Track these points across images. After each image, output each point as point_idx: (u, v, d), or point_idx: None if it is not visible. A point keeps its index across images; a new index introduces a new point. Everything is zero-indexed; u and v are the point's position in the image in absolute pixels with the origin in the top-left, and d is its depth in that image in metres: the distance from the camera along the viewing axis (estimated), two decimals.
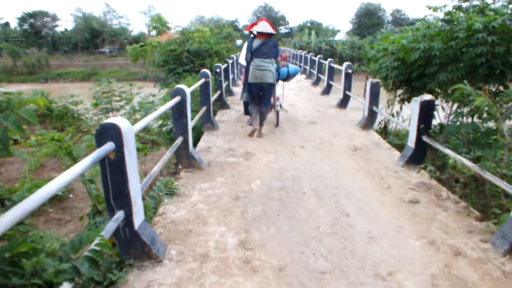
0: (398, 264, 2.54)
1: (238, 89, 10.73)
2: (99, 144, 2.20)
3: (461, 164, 3.33)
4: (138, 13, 70.06)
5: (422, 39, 6.33)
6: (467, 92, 3.41)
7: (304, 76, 14.38)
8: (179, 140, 4.12)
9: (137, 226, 2.45)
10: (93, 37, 43.79)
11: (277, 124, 6.39)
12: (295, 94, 10.04)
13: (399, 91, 7.47)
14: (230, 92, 9.43)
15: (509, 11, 5.36)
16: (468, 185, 3.64)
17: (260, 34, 5.54)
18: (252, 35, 5.68)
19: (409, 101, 7.89)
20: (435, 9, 7.57)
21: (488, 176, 3.08)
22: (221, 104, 7.81)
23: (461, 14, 5.93)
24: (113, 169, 2.29)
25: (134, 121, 12.96)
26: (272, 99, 6.09)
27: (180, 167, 4.44)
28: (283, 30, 56.51)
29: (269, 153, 4.90)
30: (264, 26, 5.53)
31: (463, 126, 5.74)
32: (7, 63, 37.88)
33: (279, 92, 6.28)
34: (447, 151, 3.72)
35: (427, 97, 4.15)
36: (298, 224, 3.06)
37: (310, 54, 14.00)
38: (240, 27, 50.61)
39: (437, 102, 7.28)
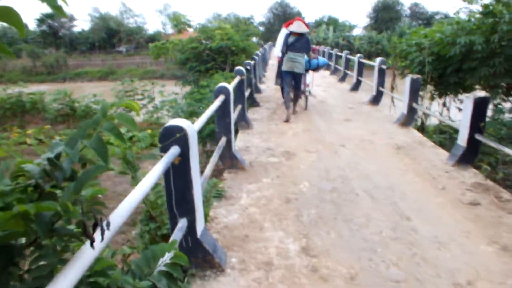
0: (475, 272, 2.39)
1: (264, 86, 10.60)
2: (164, 148, 2.11)
3: None
4: (153, 11, 70.49)
5: (461, 33, 6.09)
6: None
7: (328, 72, 14.14)
8: (223, 140, 4.03)
9: (199, 233, 2.36)
10: (110, 36, 44.22)
11: (305, 107, 7.45)
12: (323, 91, 9.85)
13: (429, 87, 7.23)
14: (257, 90, 9.31)
15: None
16: None
17: (292, 33, 6.45)
18: (288, 32, 6.58)
19: (440, 97, 7.67)
20: (470, 2, 7.28)
21: None
22: (252, 102, 7.69)
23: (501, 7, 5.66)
24: (177, 175, 2.20)
25: (157, 119, 13.01)
26: (302, 86, 7.00)
27: (222, 167, 4.35)
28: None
29: (310, 152, 4.77)
30: (298, 26, 6.44)
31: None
32: (26, 64, 38.53)
33: (309, 80, 7.37)
34: (507, 150, 3.53)
35: (481, 93, 3.95)
36: (358, 228, 2.93)
37: (335, 50, 13.74)
38: (255, 24, 50.28)
39: (466, 95, 7.04)
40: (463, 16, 7.54)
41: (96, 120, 1.08)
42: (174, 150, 2.08)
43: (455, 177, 3.91)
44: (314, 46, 8.56)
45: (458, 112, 7.67)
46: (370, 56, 39.79)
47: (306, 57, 6.67)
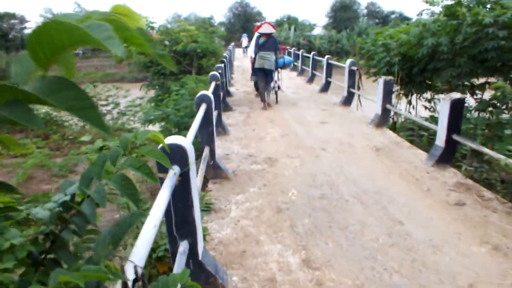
0: (475, 275, 2.43)
1: (233, 89, 10.50)
2: (163, 168, 1.98)
3: (505, 164, 3.27)
4: None
5: (427, 34, 6.30)
6: (509, 91, 3.36)
7: (295, 73, 14.25)
8: (207, 150, 3.90)
9: (200, 255, 2.24)
10: None
11: (276, 101, 8.33)
12: (293, 93, 9.90)
13: (396, 87, 7.44)
14: (228, 93, 9.19)
15: None
16: (510, 183, 3.59)
17: (264, 34, 7.42)
18: (258, 34, 7.56)
19: (406, 96, 7.93)
20: (432, 3, 7.57)
21: None
22: (225, 106, 7.58)
23: (464, 9, 5.91)
24: (177, 196, 2.07)
25: (123, 125, 12.56)
26: (272, 83, 7.95)
27: (205, 177, 4.22)
28: (258, 24, 56.08)
29: (292, 157, 4.74)
30: (266, 28, 7.46)
31: (475, 120, 5.73)
32: None
33: (276, 77, 8.09)
34: (486, 150, 3.66)
35: (456, 95, 4.09)
36: (354, 236, 2.92)
37: (301, 51, 13.86)
38: (216, 24, 49.99)
39: (442, 96, 7.33)
40: (425, 17, 7.85)
41: (115, 154, 0.96)
42: (176, 170, 1.95)
43: (436, 178, 4.01)
44: (283, 45, 9.84)
45: (424, 110, 8.00)
46: (331, 55, 40.65)
47: (274, 56, 7.47)
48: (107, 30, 0.35)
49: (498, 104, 5.41)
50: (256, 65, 7.45)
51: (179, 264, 1.95)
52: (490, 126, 5.33)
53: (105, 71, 37.57)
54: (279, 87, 8.47)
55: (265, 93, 7.70)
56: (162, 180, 1.92)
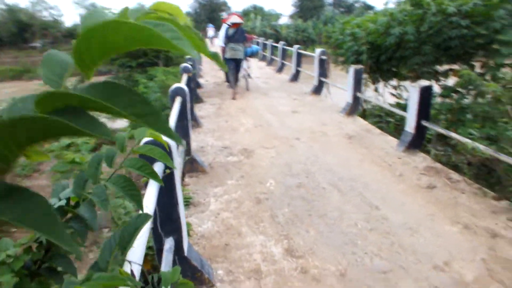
0: (448, 253, 2.56)
1: (203, 81, 10.37)
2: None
3: (472, 147, 3.44)
4: (70, 3, 64.88)
5: (394, 23, 6.47)
6: (474, 78, 3.52)
7: (265, 63, 14.24)
8: (183, 143, 3.84)
9: (186, 251, 2.22)
10: (21, 30, 39.94)
11: (247, 88, 8.75)
12: (263, 82, 9.90)
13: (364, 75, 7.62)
14: (198, 85, 9.07)
15: None
16: (476, 166, 3.78)
17: (233, 25, 7.62)
18: (227, 25, 7.78)
19: (374, 83, 8.14)
20: None
21: (504, 157, 3.21)
22: (196, 98, 7.47)
23: None
24: (162, 193, 2.04)
25: None
26: (242, 70, 8.48)
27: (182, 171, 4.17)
28: (225, 16, 55.46)
29: (267, 148, 4.76)
30: (234, 19, 7.77)
31: (439, 106, 5.97)
32: None
33: (246, 66, 8.61)
34: (454, 135, 3.83)
35: (425, 83, 4.24)
36: (334, 223, 2.99)
37: (270, 41, 13.84)
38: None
39: (409, 84, 7.58)
40: (392, 6, 8.05)
41: (111, 154, 0.93)
42: (159, 167, 1.92)
43: (408, 163, 4.16)
44: (250, 35, 10.42)
45: (391, 97, 8.26)
46: (298, 43, 40.98)
47: (242, 45, 7.89)
48: (172, 30, 0.34)
49: (460, 90, 5.67)
50: (228, 56, 7.77)
51: (166, 262, 1.93)
52: (452, 111, 5.59)
53: None
54: (249, 75, 8.93)
55: (236, 81, 8.21)
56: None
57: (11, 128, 0.30)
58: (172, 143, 2.03)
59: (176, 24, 0.37)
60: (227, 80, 9.04)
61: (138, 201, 0.87)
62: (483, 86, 3.42)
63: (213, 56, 0.43)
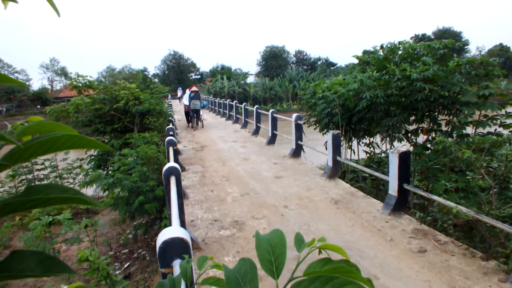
0: None
1: (181, 146, 10.48)
2: (165, 263, 1.99)
3: (455, 211, 3.68)
4: (37, 67, 64.90)
5: (364, 88, 7.00)
6: (449, 144, 3.85)
7: (239, 125, 14.65)
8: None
9: None
10: None
11: (202, 126, 15.40)
12: (241, 147, 10.13)
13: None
14: (178, 152, 9.16)
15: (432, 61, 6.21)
16: (460, 227, 4.00)
17: (193, 91, 14.67)
18: (190, 91, 14.93)
19: (347, 142, 8.57)
20: (362, 59, 8.48)
21: (486, 219, 3.45)
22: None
23: (393, 66, 6.71)
24: None
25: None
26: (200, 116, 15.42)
27: None
28: (194, 76, 57.27)
29: (258, 219, 4.83)
30: (194, 88, 15.01)
31: (414, 163, 6.34)
32: None
33: (201, 113, 15.67)
34: (436, 198, 4.08)
35: (403, 148, 4.55)
36: None
37: (244, 104, 14.43)
38: (149, 75, 50.06)
39: (378, 139, 8.05)
40: (357, 69, 8.75)
41: None
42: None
43: (395, 226, 4.34)
44: (202, 96, 19.78)
45: (364, 154, 8.71)
46: (265, 102, 42.56)
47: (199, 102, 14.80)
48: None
49: (431, 148, 6.12)
50: (191, 108, 14.65)
51: None
52: (426, 168, 5.97)
53: None
54: (202, 119, 15.69)
55: (196, 122, 14.94)
56: (164, 275, 1.93)
57: None
58: (187, 237, 2.10)
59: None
60: (188, 122, 15.75)
61: None
62: (458, 151, 3.74)
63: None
